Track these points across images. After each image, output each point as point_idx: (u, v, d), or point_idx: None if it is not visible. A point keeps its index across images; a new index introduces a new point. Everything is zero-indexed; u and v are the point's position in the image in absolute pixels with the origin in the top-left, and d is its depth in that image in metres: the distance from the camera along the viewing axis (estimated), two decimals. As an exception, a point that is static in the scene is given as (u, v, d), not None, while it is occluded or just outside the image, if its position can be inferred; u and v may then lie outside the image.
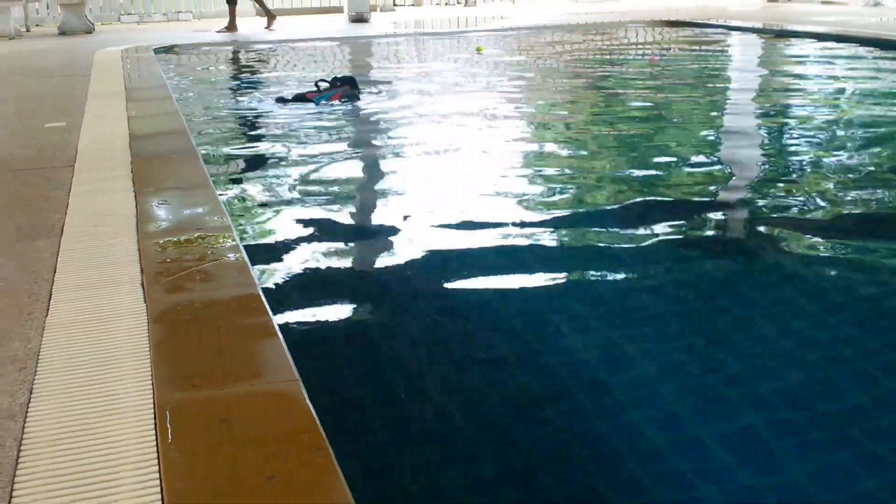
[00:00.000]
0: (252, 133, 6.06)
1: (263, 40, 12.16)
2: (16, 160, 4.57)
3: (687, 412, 2.36)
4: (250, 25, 14.32)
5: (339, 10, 16.41)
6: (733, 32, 11.82)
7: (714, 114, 6.65)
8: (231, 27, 13.38)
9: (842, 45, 9.82)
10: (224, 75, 9.44)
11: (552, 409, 2.40)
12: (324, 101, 6.75)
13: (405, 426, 2.34)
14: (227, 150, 5.51)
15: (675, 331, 2.87)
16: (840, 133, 5.68)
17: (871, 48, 9.47)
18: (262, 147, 5.58)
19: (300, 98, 6.82)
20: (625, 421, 2.32)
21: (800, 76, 8.27)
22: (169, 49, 11.20)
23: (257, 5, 14.01)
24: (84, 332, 2.33)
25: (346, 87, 6.92)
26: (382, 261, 3.61)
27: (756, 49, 10.80)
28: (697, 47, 10.61)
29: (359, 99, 6.90)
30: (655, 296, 3.15)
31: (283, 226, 3.90)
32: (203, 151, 4.70)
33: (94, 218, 3.37)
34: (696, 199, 4.32)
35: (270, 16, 13.73)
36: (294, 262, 3.45)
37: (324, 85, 6.95)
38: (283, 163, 5.08)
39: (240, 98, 7.49)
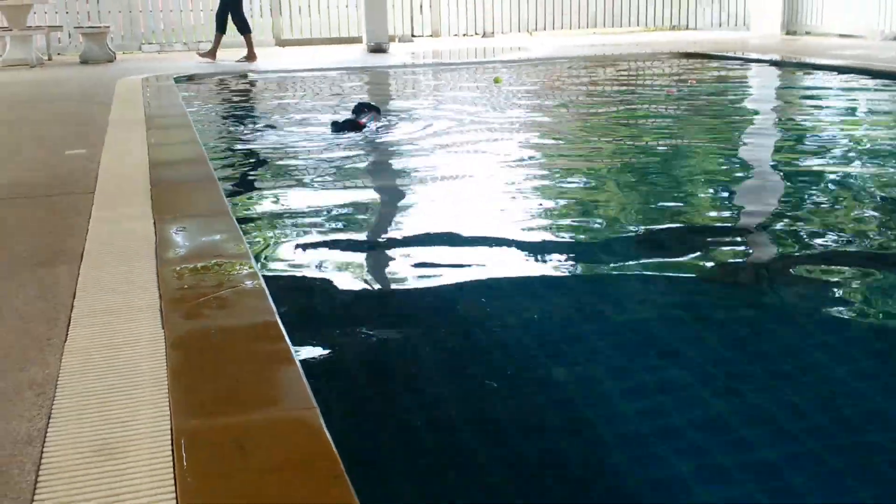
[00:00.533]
0: (269, 161, 6.09)
1: (283, 69, 12.25)
2: (37, 186, 4.61)
3: (707, 444, 2.34)
4: (273, 55, 14.44)
5: (357, 40, 16.54)
6: (752, 64, 11.82)
7: (732, 145, 6.64)
8: (250, 56, 13.51)
9: (861, 77, 9.81)
10: (242, 103, 9.50)
11: (569, 439, 2.38)
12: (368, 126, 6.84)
13: (422, 455, 2.33)
14: (245, 177, 5.54)
15: (694, 361, 2.85)
16: (861, 165, 5.66)
17: (890, 81, 9.46)
18: (280, 174, 5.61)
19: (352, 125, 6.84)
20: (644, 453, 2.30)
21: (819, 108, 8.26)
22: (189, 78, 11.29)
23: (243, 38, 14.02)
24: (102, 357, 2.33)
25: (374, 113, 7.01)
26: (401, 288, 3.61)
27: (775, 81, 10.81)
28: (716, 79, 10.62)
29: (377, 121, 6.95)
30: (672, 327, 3.13)
31: (301, 252, 3.91)
32: (222, 178, 4.72)
33: (113, 244, 3.38)
34: (714, 229, 4.30)
35: (251, 54, 13.75)
36: (312, 289, 3.46)
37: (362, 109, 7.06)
38: (301, 190, 5.10)
39: (257, 125, 7.54)
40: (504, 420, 2.50)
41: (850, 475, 2.20)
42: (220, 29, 13.70)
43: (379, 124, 6.87)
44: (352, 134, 6.64)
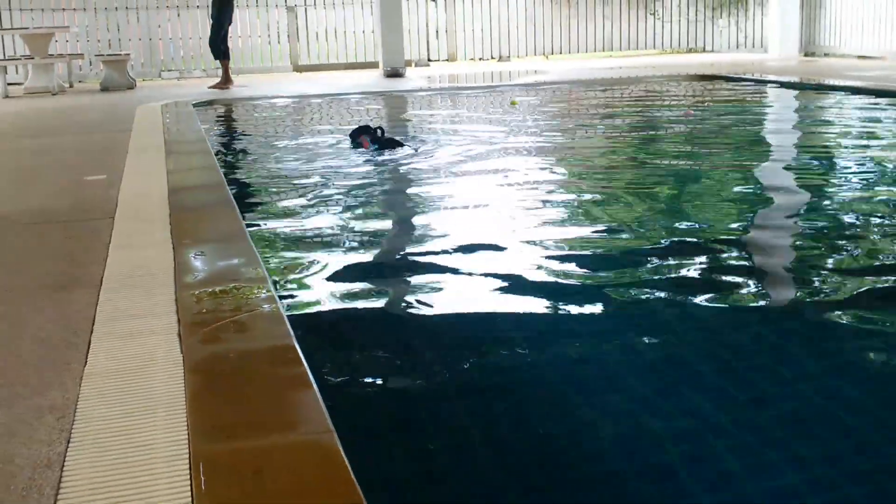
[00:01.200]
0: (288, 185, 6.12)
1: (300, 94, 12.32)
2: (57, 212, 4.65)
3: (732, 470, 2.32)
4: (291, 80, 14.54)
5: (374, 65, 16.62)
6: (770, 86, 11.80)
7: (751, 168, 6.62)
8: (226, 82, 13.59)
9: (881, 99, 9.78)
10: (261, 128, 9.55)
11: (590, 466, 2.38)
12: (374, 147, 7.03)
13: (440, 481, 2.33)
14: (263, 201, 5.57)
15: (716, 387, 2.83)
16: (883, 189, 5.63)
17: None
18: (298, 198, 5.63)
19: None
20: (671, 484, 2.29)
21: (838, 130, 8.24)
22: (208, 104, 11.38)
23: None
24: (121, 382, 2.34)
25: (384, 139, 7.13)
26: (419, 312, 3.61)
27: (793, 103, 10.78)
28: (734, 101, 10.61)
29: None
30: (693, 352, 3.12)
31: (318, 277, 3.92)
32: (240, 203, 4.75)
33: (133, 269, 3.41)
34: (734, 255, 4.29)
35: (227, 79, 13.79)
36: (330, 313, 3.46)
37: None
38: (319, 214, 5.12)
39: (276, 151, 7.57)
40: (521, 446, 2.50)
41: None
42: (223, 56, 13.79)
43: (374, 146, 7.03)
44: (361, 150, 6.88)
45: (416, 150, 7.04)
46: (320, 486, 1.81)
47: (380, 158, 6.74)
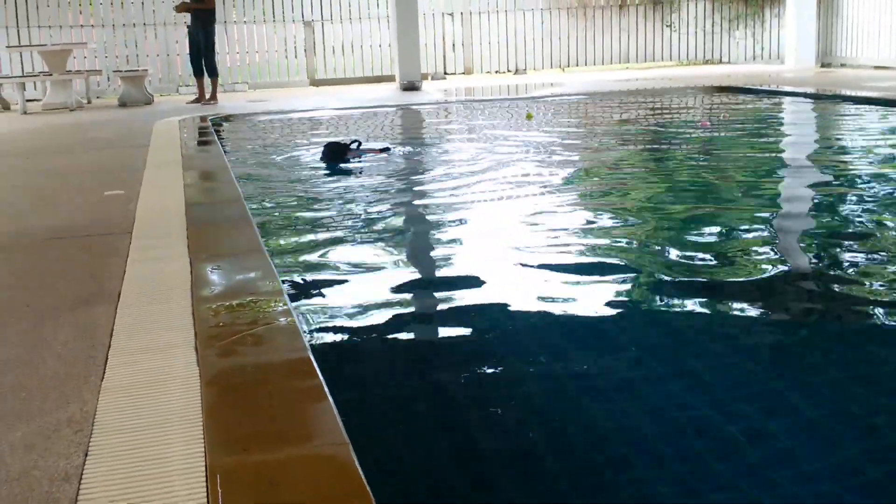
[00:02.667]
0: (305, 199, 6.14)
1: (318, 108, 12.37)
2: (76, 227, 4.68)
3: (746, 484, 2.32)
4: (309, 94, 14.60)
5: (390, 78, 16.68)
6: (787, 97, 11.77)
7: (768, 179, 6.61)
8: (211, 97, 13.66)
9: (896, 109, 9.75)
10: (278, 143, 9.59)
11: (609, 472, 2.37)
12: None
13: (457, 493, 2.33)
14: (281, 215, 5.59)
15: (736, 400, 2.83)
16: None
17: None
18: (315, 213, 5.65)
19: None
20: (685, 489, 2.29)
21: (856, 141, 8.21)
22: (225, 119, 11.44)
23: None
24: (139, 395, 2.36)
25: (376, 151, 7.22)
26: (434, 326, 3.62)
27: (811, 114, 10.75)
28: (750, 112, 10.59)
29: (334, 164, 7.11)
30: (713, 365, 3.12)
31: (334, 289, 3.94)
32: (257, 217, 4.78)
33: (150, 284, 3.43)
34: (754, 265, 4.28)
35: (213, 94, 13.81)
36: (345, 326, 3.48)
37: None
38: (336, 228, 5.14)
39: (293, 166, 7.61)
40: (536, 452, 2.50)
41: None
42: (201, 74, 13.82)
43: (361, 160, 7.12)
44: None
45: (390, 150, 7.13)
46: (336, 498, 1.82)
47: (397, 174, 6.74)
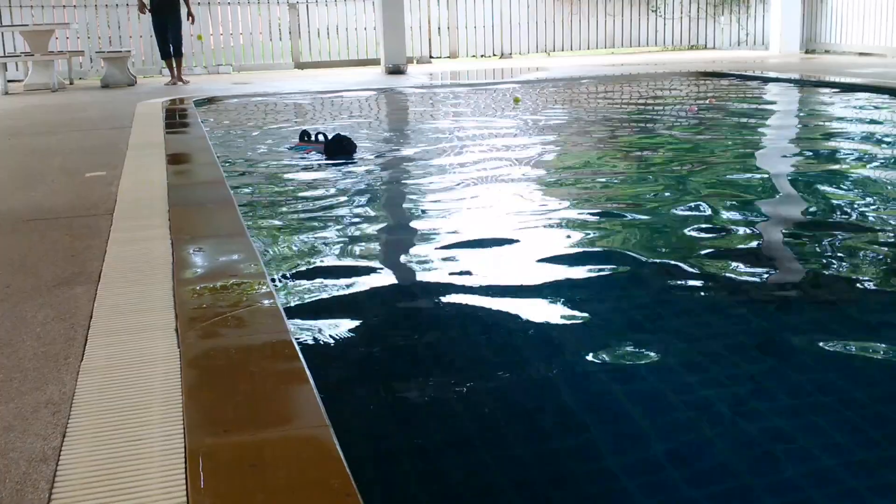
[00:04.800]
0: (288, 182, 6.12)
1: (301, 91, 12.31)
2: (57, 209, 4.65)
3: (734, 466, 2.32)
4: (293, 77, 14.54)
5: (376, 62, 16.62)
6: (771, 83, 11.79)
7: (754, 164, 6.61)
8: (177, 78, 13.72)
9: (882, 95, 9.77)
10: (262, 125, 9.55)
11: (589, 463, 2.37)
12: (300, 153, 6.95)
13: (435, 475, 2.33)
14: (263, 198, 5.56)
15: (720, 382, 2.83)
16: (882, 185, 5.63)
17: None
18: (298, 195, 5.63)
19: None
20: (664, 477, 2.29)
21: (838, 127, 8.23)
22: (209, 101, 11.37)
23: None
24: (118, 376, 2.35)
25: (320, 146, 6.88)
26: (417, 308, 3.61)
27: (795, 100, 10.77)
28: (735, 98, 10.60)
29: (343, 159, 6.75)
30: (699, 349, 3.12)
31: (317, 272, 3.92)
32: (239, 199, 4.75)
33: (131, 265, 3.41)
34: (739, 250, 4.28)
35: (178, 75, 13.91)
36: (327, 308, 3.46)
37: (320, 137, 7.06)
38: (319, 211, 5.12)
39: (273, 148, 7.57)
40: (522, 445, 2.50)
41: None
42: (169, 55, 13.91)
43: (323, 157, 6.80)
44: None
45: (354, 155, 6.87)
46: (315, 480, 1.81)
47: (382, 158, 6.71)
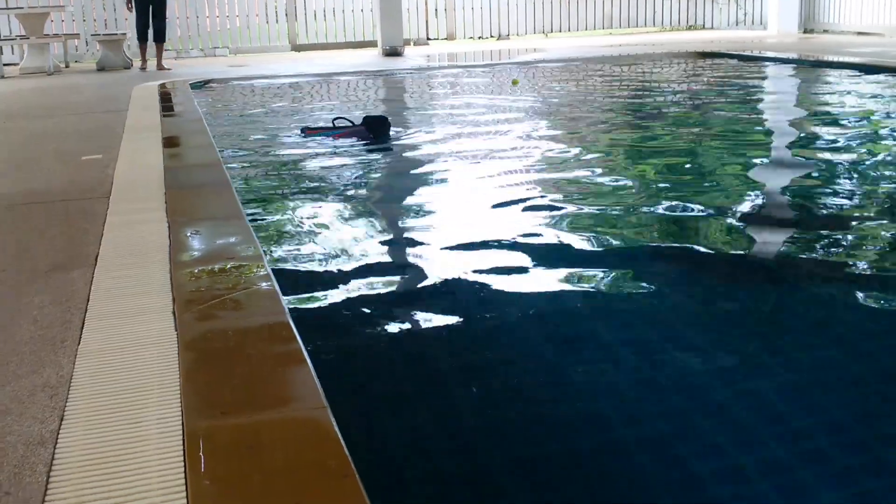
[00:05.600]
0: (285, 165, 6.10)
1: (298, 73, 12.26)
2: (53, 192, 4.63)
3: (726, 442, 2.33)
4: (290, 59, 14.49)
5: (372, 44, 16.54)
6: (770, 63, 11.76)
7: (753, 144, 6.60)
8: (158, 66, 13.37)
9: (879, 75, 9.74)
10: (259, 108, 9.52)
11: (584, 440, 2.38)
12: (330, 137, 6.75)
13: (430, 456, 2.33)
14: (260, 180, 5.55)
15: (714, 363, 2.84)
16: (882, 164, 5.62)
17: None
18: (295, 178, 5.62)
19: (315, 130, 6.92)
20: (663, 453, 2.29)
21: (836, 106, 8.21)
22: (205, 84, 11.33)
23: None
24: (115, 359, 2.34)
25: (362, 129, 6.77)
26: (411, 289, 3.60)
27: (793, 80, 10.75)
28: (734, 78, 10.56)
29: (381, 141, 6.70)
30: (693, 328, 3.12)
31: (314, 255, 3.92)
32: (237, 182, 4.74)
33: (128, 248, 3.40)
34: (737, 230, 4.28)
35: (159, 62, 13.54)
36: (324, 291, 3.46)
37: (342, 123, 6.91)
38: (316, 194, 5.11)
39: (273, 131, 7.55)
40: (517, 429, 2.50)
41: None
42: (145, 39, 13.53)
43: (360, 139, 6.68)
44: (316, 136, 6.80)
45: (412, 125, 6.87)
46: (313, 461, 1.81)
47: (376, 142, 6.66)
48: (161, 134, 6.47)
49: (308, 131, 6.99)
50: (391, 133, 6.82)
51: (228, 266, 3.07)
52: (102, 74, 13.29)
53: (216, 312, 2.66)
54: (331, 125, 6.95)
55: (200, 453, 1.84)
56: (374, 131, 6.73)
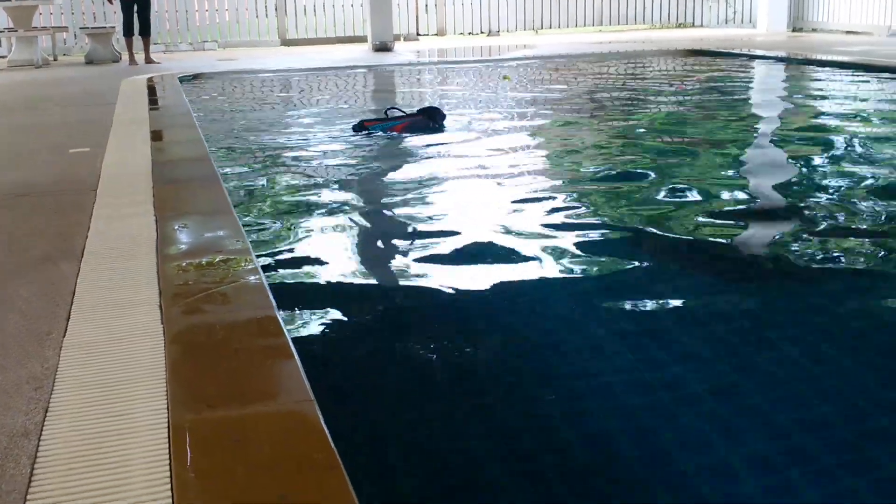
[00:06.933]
0: (274, 159, 6.08)
1: (288, 69, 12.24)
2: (40, 185, 4.61)
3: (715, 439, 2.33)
4: (279, 54, 14.46)
5: (362, 39, 16.53)
6: (759, 61, 11.79)
7: (741, 142, 6.61)
8: (146, 59, 13.31)
9: (867, 73, 9.78)
10: (247, 102, 9.50)
11: (570, 431, 2.38)
12: (380, 132, 6.64)
13: (418, 449, 2.32)
14: (249, 174, 5.53)
15: (704, 360, 2.84)
16: (869, 162, 5.64)
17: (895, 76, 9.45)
18: (284, 172, 5.61)
19: (360, 126, 6.75)
20: (653, 447, 2.29)
21: (824, 104, 8.24)
22: (194, 77, 11.30)
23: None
24: (101, 352, 2.33)
25: (420, 118, 6.75)
26: (402, 285, 3.60)
27: (782, 78, 10.78)
28: (723, 76, 10.59)
29: (436, 130, 6.70)
30: (682, 326, 3.13)
31: (303, 249, 3.91)
32: (225, 176, 4.73)
33: (115, 241, 3.38)
34: (726, 228, 4.29)
35: (136, 56, 13.48)
36: (312, 285, 3.45)
37: (395, 113, 6.86)
38: (305, 188, 5.10)
39: (262, 124, 7.53)
40: (510, 424, 2.50)
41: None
42: (131, 33, 13.44)
43: (412, 130, 6.64)
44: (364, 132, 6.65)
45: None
46: (299, 454, 1.80)
47: (367, 137, 6.67)
48: (149, 127, 6.45)
49: (366, 124, 6.78)
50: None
51: (216, 259, 3.06)
52: (90, 68, 13.24)
53: (203, 306, 2.65)
54: (384, 116, 6.88)
55: (186, 446, 1.84)
56: (433, 119, 6.75)
